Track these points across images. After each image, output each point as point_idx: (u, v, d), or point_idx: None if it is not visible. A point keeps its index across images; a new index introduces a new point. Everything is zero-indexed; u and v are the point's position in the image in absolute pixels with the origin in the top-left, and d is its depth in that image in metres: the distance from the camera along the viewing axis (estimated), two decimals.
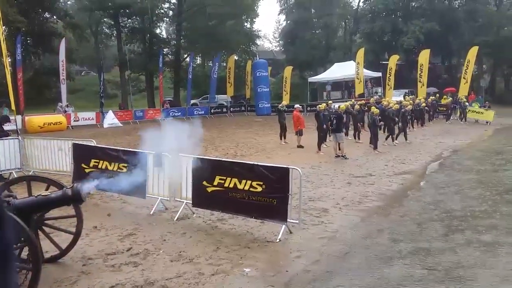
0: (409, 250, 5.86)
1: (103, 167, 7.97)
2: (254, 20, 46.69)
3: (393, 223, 7.16)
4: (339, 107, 15.86)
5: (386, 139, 16.14)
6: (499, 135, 20.44)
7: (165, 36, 45.76)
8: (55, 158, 9.62)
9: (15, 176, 9.13)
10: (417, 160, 13.12)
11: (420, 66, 28.75)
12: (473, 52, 28.27)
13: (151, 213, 7.38)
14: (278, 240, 6.08)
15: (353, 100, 21.70)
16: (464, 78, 28.39)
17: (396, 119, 16.37)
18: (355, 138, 16.72)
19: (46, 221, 5.38)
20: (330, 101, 16.44)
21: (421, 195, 9.12)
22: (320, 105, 15.42)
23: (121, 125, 24.73)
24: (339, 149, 13.34)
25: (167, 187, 7.47)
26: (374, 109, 15.52)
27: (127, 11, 37.85)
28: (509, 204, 8.15)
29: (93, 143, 9.18)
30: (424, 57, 29.04)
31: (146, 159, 7.63)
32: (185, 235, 6.35)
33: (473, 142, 17.81)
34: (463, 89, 28.03)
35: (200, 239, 6.18)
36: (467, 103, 26.26)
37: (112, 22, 38.81)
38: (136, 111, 28.80)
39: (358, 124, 16.68)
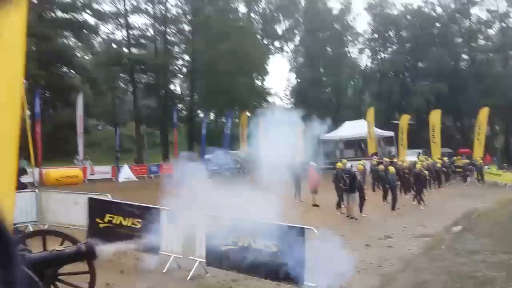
0: None
1: (118, 222, 7.91)
2: (264, 77, 48.04)
3: None
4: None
5: (414, 199, 15.92)
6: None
7: (179, 91, 47.13)
8: (70, 211, 9.60)
9: (31, 229, 9.08)
10: (437, 223, 12.77)
11: (432, 127, 28.91)
12: (483, 114, 28.47)
13: (164, 271, 7.18)
14: None
15: (375, 160, 21.42)
16: (477, 139, 28.35)
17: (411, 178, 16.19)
18: (384, 199, 15.99)
19: (59, 277, 5.25)
20: (344, 160, 16.35)
21: (443, 260, 8.77)
22: (338, 163, 15.22)
23: (136, 179, 24.81)
24: (360, 210, 13.23)
25: (180, 244, 7.34)
26: (391, 168, 15.36)
27: (143, 67, 39.27)
28: None
29: (108, 197, 9.19)
30: (435, 117, 29.28)
31: (160, 215, 7.58)
32: None
33: (493, 205, 17.36)
34: (478, 150, 27.88)
35: None
36: (484, 165, 25.86)
37: (128, 78, 40.18)
38: (151, 165, 28.97)
39: (386, 185, 16.10)
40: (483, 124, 28.68)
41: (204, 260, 7.02)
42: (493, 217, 14.85)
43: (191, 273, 6.95)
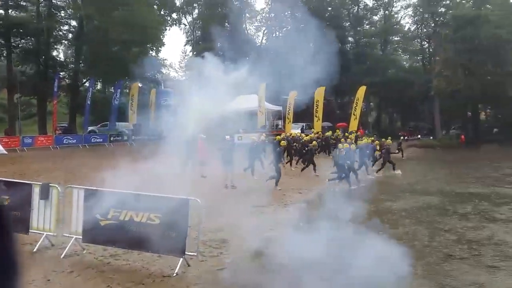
0: (308, 281, 6.06)
1: None
2: (160, 48, 46.40)
3: (292, 253, 7.39)
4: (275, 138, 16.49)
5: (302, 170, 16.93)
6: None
7: (62, 59, 43.20)
8: None
9: None
10: (312, 190, 13.89)
11: (316, 102, 30.87)
12: (361, 91, 31.22)
13: (35, 250, 6.71)
14: (175, 274, 5.92)
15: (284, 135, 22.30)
16: (354, 114, 31.09)
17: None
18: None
19: None
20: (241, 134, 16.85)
21: (314, 225, 9.59)
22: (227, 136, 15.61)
23: (6, 152, 22.35)
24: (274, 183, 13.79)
25: (54, 221, 6.89)
26: (282, 142, 15.93)
27: (21, 30, 35.21)
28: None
29: None
30: (319, 93, 31.27)
31: (31, 190, 7.01)
32: (72, 273, 5.87)
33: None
34: (353, 125, 30.64)
35: (90, 277, 5.76)
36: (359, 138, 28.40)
37: (3, 41, 35.64)
38: (25, 137, 26.33)
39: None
40: (360, 100, 31.49)
41: (81, 237, 6.71)
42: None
43: (65, 250, 6.59)
